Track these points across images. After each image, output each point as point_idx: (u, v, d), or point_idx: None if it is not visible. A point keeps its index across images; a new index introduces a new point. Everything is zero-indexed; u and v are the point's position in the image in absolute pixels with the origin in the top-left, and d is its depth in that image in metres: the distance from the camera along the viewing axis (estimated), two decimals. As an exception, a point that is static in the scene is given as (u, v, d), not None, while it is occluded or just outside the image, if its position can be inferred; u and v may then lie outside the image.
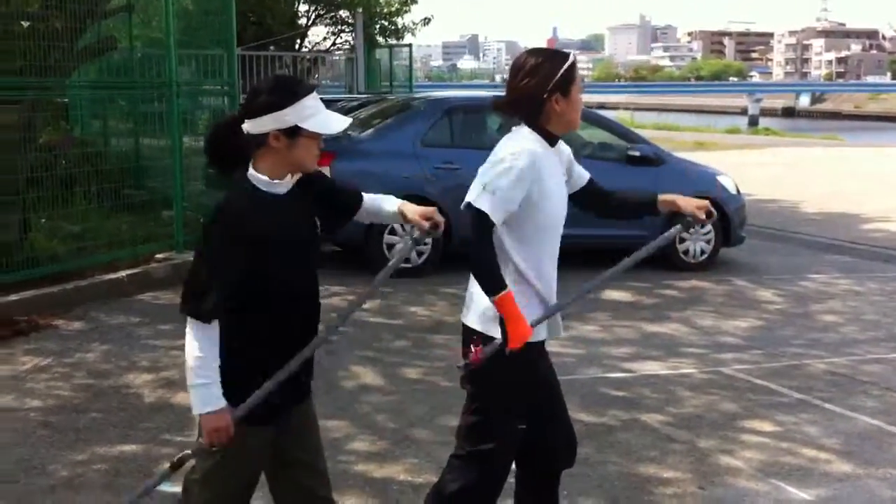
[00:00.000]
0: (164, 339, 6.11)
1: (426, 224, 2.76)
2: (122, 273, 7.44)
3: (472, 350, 2.92)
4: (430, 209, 2.80)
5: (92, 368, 5.57)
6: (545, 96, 2.90)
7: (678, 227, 3.15)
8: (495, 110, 3.06)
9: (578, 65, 3.01)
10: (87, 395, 5.12)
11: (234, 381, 2.59)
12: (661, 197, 3.18)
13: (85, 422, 4.71)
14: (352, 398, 5.14)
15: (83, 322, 6.56)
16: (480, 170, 2.93)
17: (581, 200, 3.21)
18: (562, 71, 2.91)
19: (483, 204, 2.83)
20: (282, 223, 2.59)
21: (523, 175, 2.85)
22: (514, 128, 3.01)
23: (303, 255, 2.67)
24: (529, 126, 2.96)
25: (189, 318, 2.54)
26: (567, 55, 2.97)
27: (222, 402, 2.57)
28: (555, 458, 3.19)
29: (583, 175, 3.20)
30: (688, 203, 3.10)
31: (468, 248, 2.89)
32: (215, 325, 2.54)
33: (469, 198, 2.88)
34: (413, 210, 2.81)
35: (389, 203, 2.87)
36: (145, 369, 5.54)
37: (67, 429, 4.61)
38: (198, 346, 2.54)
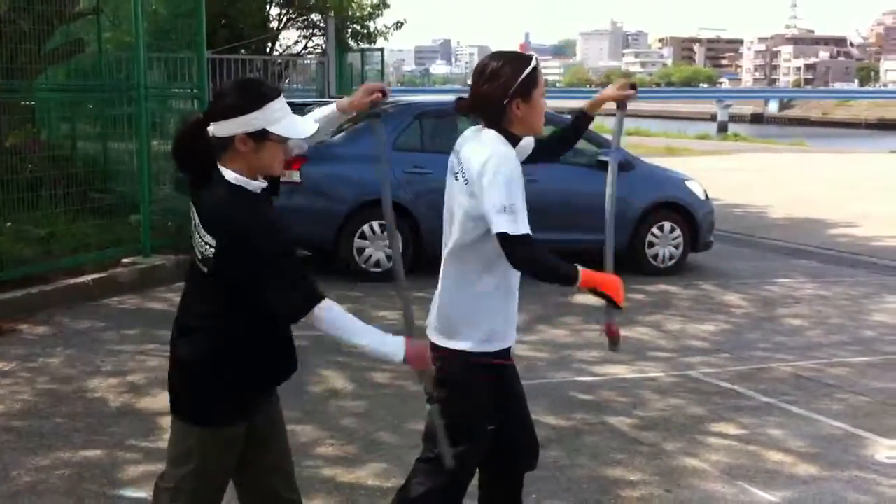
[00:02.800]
0: (130, 344, 6.04)
1: (377, 97, 2.85)
2: (88, 277, 7.36)
3: (607, 328, 3.08)
4: (367, 86, 2.90)
5: (56, 373, 5.51)
6: (506, 101, 2.88)
7: (618, 112, 3.40)
8: (458, 112, 3.03)
9: (551, 69, 3.01)
10: (51, 400, 5.06)
11: (229, 383, 2.59)
12: (585, 104, 3.32)
13: (49, 427, 4.65)
14: (320, 402, 5.12)
15: (48, 326, 6.48)
16: (484, 195, 2.79)
17: (533, 160, 3.24)
18: (524, 75, 2.88)
19: (521, 228, 2.78)
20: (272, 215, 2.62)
21: (520, 180, 2.84)
22: (472, 129, 2.99)
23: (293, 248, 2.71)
24: (490, 128, 2.92)
25: (314, 310, 2.52)
26: (529, 59, 2.94)
27: (400, 340, 2.64)
28: (518, 461, 3.19)
29: (529, 144, 3.19)
30: (609, 90, 3.30)
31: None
32: (327, 300, 2.55)
33: (503, 228, 2.76)
34: (351, 98, 2.89)
35: (325, 110, 2.93)
36: (110, 374, 5.48)
37: (31, 434, 4.56)
38: (341, 326, 2.57)
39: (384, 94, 2.88)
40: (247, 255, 2.47)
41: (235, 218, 2.49)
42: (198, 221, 2.57)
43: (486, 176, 2.80)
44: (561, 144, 3.42)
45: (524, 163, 3.10)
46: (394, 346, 2.63)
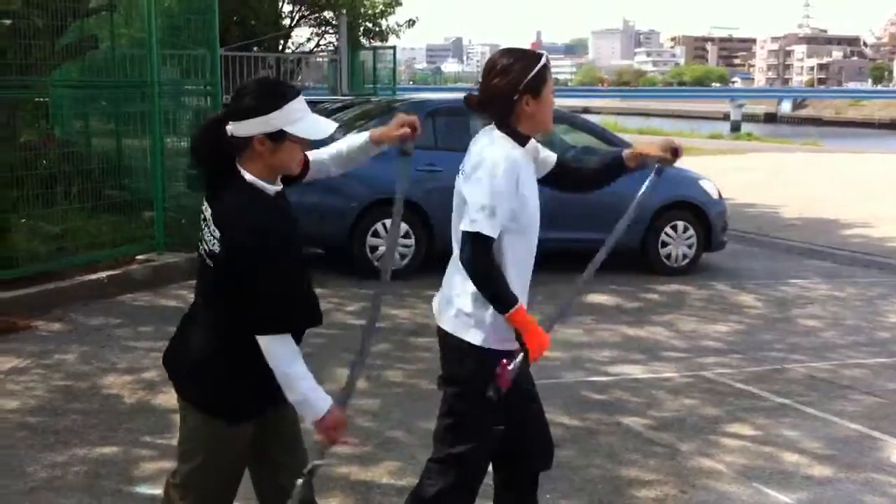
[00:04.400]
0: (144, 341, 6.06)
1: (408, 131, 2.76)
2: (103, 274, 7.38)
3: (498, 373, 2.87)
4: (401, 118, 2.79)
5: (71, 370, 5.52)
6: (516, 97, 2.88)
7: (653, 176, 3.19)
8: (467, 107, 3.02)
9: (563, 68, 3.00)
10: (66, 396, 5.07)
11: (235, 378, 2.59)
12: (626, 153, 3.22)
13: (64, 423, 4.67)
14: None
15: (62, 323, 6.50)
16: (468, 188, 2.85)
17: (553, 181, 3.21)
18: (534, 72, 2.89)
19: (488, 228, 2.80)
20: (288, 222, 2.60)
21: (511, 186, 2.84)
22: (485, 128, 2.99)
23: (301, 253, 2.69)
24: (499, 127, 2.94)
25: (273, 336, 2.50)
26: (539, 56, 2.95)
27: (329, 400, 2.58)
28: (532, 461, 3.19)
29: (549, 158, 3.20)
30: (652, 149, 3.17)
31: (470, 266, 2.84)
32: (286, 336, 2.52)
33: (472, 227, 2.79)
34: (383, 129, 2.80)
35: (358, 138, 2.86)
36: (125, 371, 5.49)
37: (46, 430, 4.57)
38: (286, 359, 2.52)
39: (414, 129, 2.78)
40: (248, 257, 2.46)
41: (249, 219, 2.49)
42: (209, 216, 2.56)
43: (481, 171, 2.84)
44: (589, 181, 3.35)
45: (541, 181, 3.10)
46: (315, 403, 2.56)
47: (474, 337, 2.92)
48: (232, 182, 2.55)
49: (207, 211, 2.58)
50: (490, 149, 2.89)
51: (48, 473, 4.08)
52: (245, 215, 2.49)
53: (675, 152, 3.15)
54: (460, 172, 2.98)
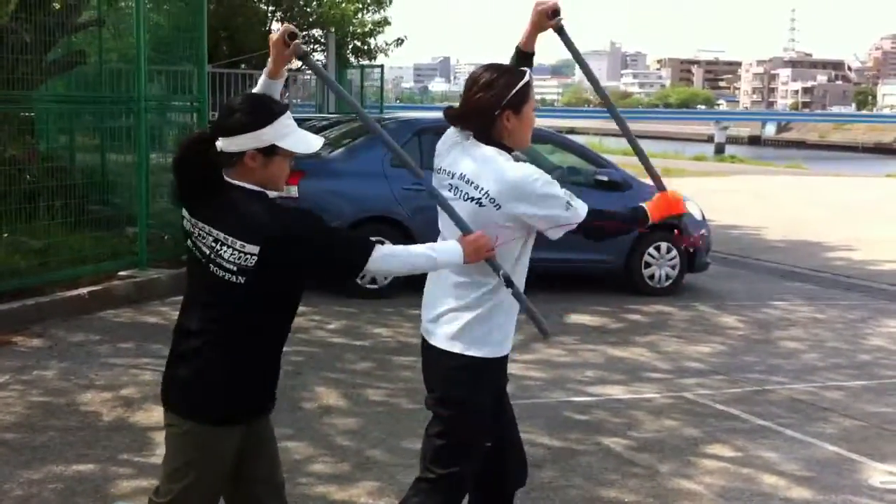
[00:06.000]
0: (124, 358, 6.02)
1: (294, 50, 2.72)
2: (84, 290, 7.33)
3: (682, 239, 3.32)
4: (275, 42, 2.73)
5: (50, 386, 5.48)
6: (497, 112, 2.89)
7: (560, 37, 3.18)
8: (447, 120, 3.03)
9: (549, 89, 3.02)
10: (44, 413, 5.03)
11: (235, 393, 2.63)
12: (520, 42, 3.15)
13: (41, 440, 4.63)
14: (314, 419, 5.10)
15: (42, 339, 6.46)
16: (525, 210, 2.85)
17: None
18: (516, 88, 2.90)
19: (582, 209, 2.89)
20: None
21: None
22: (464, 141, 2.98)
23: None
24: (484, 141, 2.93)
25: (372, 254, 2.61)
26: (523, 73, 2.96)
27: (452, 241, 2.78)
28: (507, 479, 3.19)
29: None
30: (532, 19, 3.09)
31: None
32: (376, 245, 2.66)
33: (574, 219, 2.88)
34: (272, 63, 2.76)
35: (261, 84, 2.81)
36: (104, 388, 5.45)
37: (23, 447, 4.53)
38: (397, 260, 2.70)
39: (294, 36, 2.73)
40: (304, 245, 2.55)
41: (284, 219, 2.55)
42: (222, 235, 2.55)
43: (523, 193, 2.83)
44: None
45: None
46: (451, 254, 2.75)
47: (475, 350, 2.91)
48: (232, 195, 2.57)
49: (218, 232, 2.56)
50: (503, 166, 2.87)
51: (24, 491, 4.05)
52: (277, 217, 2.54)
53: (555, 12, 3.06)
54: (462, 197, 2.91)
